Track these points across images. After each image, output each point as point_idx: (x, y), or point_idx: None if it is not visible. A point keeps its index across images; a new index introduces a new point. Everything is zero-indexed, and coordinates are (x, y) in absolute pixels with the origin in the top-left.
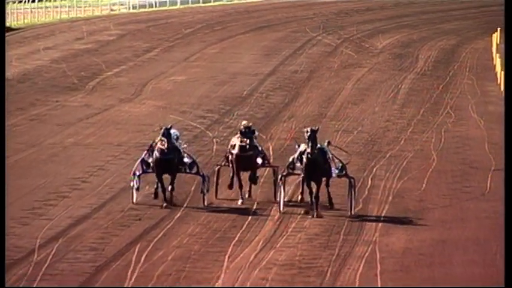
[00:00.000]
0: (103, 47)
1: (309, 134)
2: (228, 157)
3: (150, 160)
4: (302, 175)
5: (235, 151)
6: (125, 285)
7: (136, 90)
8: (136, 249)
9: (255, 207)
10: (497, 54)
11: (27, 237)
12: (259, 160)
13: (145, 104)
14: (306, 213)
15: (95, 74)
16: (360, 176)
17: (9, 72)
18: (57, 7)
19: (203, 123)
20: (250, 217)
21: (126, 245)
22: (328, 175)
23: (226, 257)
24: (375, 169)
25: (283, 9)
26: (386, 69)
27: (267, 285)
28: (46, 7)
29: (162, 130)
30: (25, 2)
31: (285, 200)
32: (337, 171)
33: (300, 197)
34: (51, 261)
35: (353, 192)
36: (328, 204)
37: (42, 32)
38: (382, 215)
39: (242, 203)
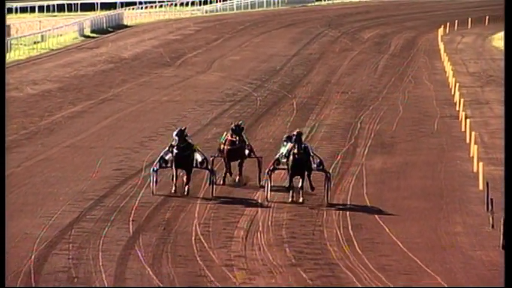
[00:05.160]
0: (186, 37)
1: (295, 136)
2: (221, 150)
3: (167, 157)
4: (289, 171)
5: (226, 145)
6: (202, 193)
7: (207, 65)
8: (207, 172)
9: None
10: (441, 42)
11: (137, 160)
12: (246, 152)
13: (213, 75)
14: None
15: (181, 55)
16: (353, 121)
17: (126, 54)
18: (157, 12)
19: (251, 87)
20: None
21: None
22: (309, 169)
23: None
24: (362, 117)
25: (303, 13)
26: (370, 52)
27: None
28: (150, 12)
29: (177, 131)
30: (136, 8)
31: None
32: (315, 165)
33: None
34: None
35: (328, 184)
36: (310, 189)
37: (147, 28)
38: (367, 146)
39: (237, 180)
